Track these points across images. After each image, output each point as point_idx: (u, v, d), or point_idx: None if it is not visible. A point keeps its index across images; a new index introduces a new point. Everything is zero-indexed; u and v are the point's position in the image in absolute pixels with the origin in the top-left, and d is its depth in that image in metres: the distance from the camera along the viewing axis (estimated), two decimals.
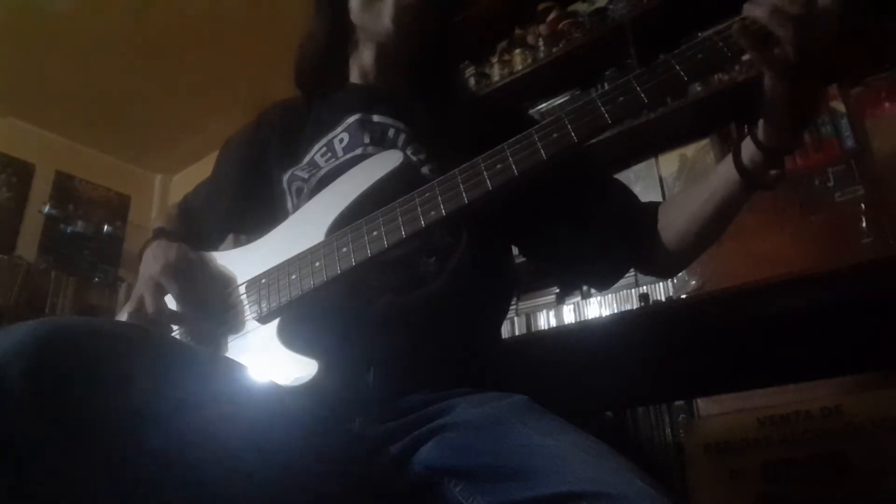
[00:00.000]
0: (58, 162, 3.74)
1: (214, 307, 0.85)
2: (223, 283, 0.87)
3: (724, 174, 0.75)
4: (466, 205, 0.70)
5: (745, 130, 0.72)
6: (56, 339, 0.48)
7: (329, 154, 0.93)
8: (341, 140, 0.94)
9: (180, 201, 1.14)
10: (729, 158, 0.74)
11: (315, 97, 1.04)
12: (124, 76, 3.27)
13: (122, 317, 0.88)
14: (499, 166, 0.69)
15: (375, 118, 0.94)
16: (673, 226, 0.84)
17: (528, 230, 0.95)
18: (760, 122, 0.69)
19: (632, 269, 0.96)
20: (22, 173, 3.59)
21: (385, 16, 0.91)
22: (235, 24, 2.97)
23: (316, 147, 0.95)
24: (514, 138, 0.70)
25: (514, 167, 0.69)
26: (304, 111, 1.04)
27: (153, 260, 0.85)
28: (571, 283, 2.11)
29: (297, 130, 1.00)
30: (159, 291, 0.83)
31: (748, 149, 0.72)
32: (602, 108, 0.66)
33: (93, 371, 0.48)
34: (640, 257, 0.89)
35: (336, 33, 1.00)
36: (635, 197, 0.93)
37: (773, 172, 0.71)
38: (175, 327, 0.87)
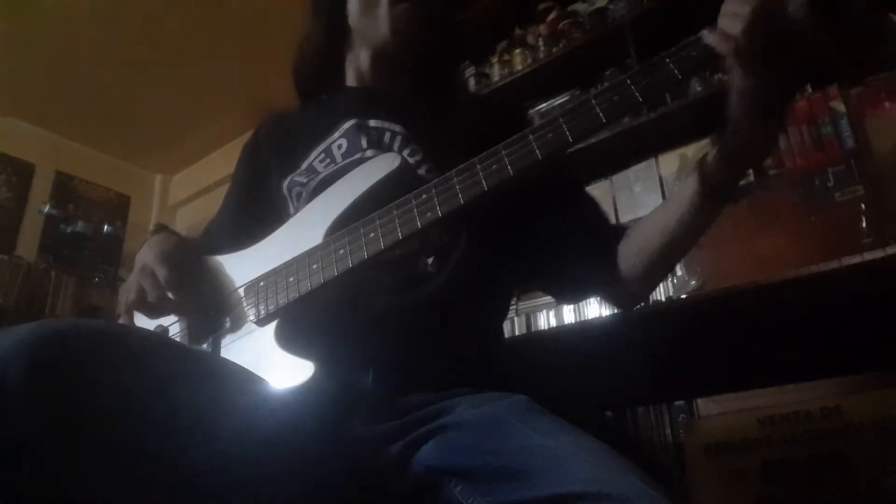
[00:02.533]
0: (58, 162, 3.74)
1: (210, 304, 0.85)
2: (220, 282, 0.87)
3: (689, 186, 0.75)
4: (462, 206, 0.70)
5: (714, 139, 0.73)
6: (55, 341, 0.48)
7: (328, 160, 0.93)
8: (339, 146, 0.94)
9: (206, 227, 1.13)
10: (694, 173, 0.75)
11: (311, 101, 1.05)
12: (124, 76, 3.27)
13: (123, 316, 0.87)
14: (494, 167, 0.70)
15: (372, 123, 0.94)
16: (636, 244, 0.84)
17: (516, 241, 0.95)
18: (727, 131, 0.70)
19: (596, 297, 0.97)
20: (22, 173, 3.59)
21: (382, 22, 0.91)
22: (235, 24, 2.97)
23: (314, 153, 0.95)
24: (509, 139, 0.70)
25: (509, 167, 0.69)
26: (299, 118, 1.04)
27: (149, 250, 0.84)
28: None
29: (293, 138, 1.00)
30: (153, 280, 0.82)
31: (714, 159, 0.72)
32: (597, 108, 0.67)
33: (91, 373, 0.48)
34: (605, 279, 0.88)
35: (333, 35, 1.00)
36: (606, 219, 0.94)
37: (738, 186, 0.72)
38: (172, 329, 0.87)
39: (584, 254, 0.88)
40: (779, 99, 0.66)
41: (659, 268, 0.85)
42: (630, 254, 0.85)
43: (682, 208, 0.76)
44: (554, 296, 1.02)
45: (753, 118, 0.66)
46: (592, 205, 0.95)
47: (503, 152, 0.70)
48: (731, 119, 0.67)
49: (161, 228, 0.97)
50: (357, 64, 1.00)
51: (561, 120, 0.68)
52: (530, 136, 0.69)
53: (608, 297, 0.94)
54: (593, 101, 0.67)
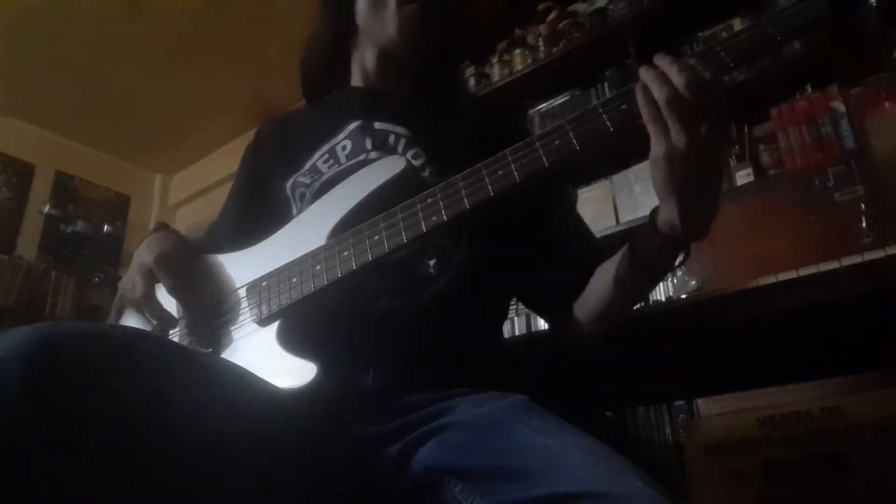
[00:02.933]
0: (58, 162, 3.74)
1: (209, 304, 0.85)
2: (221, 282, 0.87)
3: (626, 257, 0.76)
4: (468, 210, 0.70)
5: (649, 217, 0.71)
6: (53, 344, 0.48)
7: (332, 161, 0.93)
8: (344, 147, 0.94)
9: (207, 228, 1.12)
10: (627, 248, 0.76)
11: (316, 100, 1.05)
12: (125, 76, 3.27)
13: (113, 312, 0.87)
14: (500, 172, 0.70)
15: (376, 125, 0.94)
16: (589, 293, 0.85)
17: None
18: (657, 208, 0.70)
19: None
20: (22, 173, 3.59)
21: (390, 23, 0.91)
22: (235, 25, 2.97)
23: (318, 154, 0.95)
24: (516, 145, 0.70)
25: (515, 173, 0.69)
26: (302, 118, 1.04)
27: (147, 248, 0.83)
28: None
29: (296, 138, 1.00)
30: (150, 279, 0.81)
31: (646, 236, 0.72)
32: (604, 116, 0.66)
33: (91, 375, 0.48)
34: (563, 306, 0.89)
35: (341, 34, 1.00)
36: (588, 244, 0.94)
37: (678, 260, 0.72)
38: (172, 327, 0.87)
39: (570, 270, 0.89)
40: (700, 162, 0.62)
41: (606, 319, 0.86)
42: (584, 299, 0.86)
43: (622, 273, 0.77)
44: (535, 309, 1.02)
45: (679, 184, 0.63)
46: (582, 223, 0.96)
47: (509, 158, 0.70)
48: (659, 192, 0.66)
49: (161, 227, 0.97)
50: (363, 63, 1.00)
51: (567, 127, 0.68)
52: (537, 143, 0.69)
53: (558, 327, 0.94)
54: (600, 109, 0.67)
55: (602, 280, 0.83)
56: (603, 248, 0.90)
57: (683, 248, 0.71)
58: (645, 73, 0.63)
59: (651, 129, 0.63)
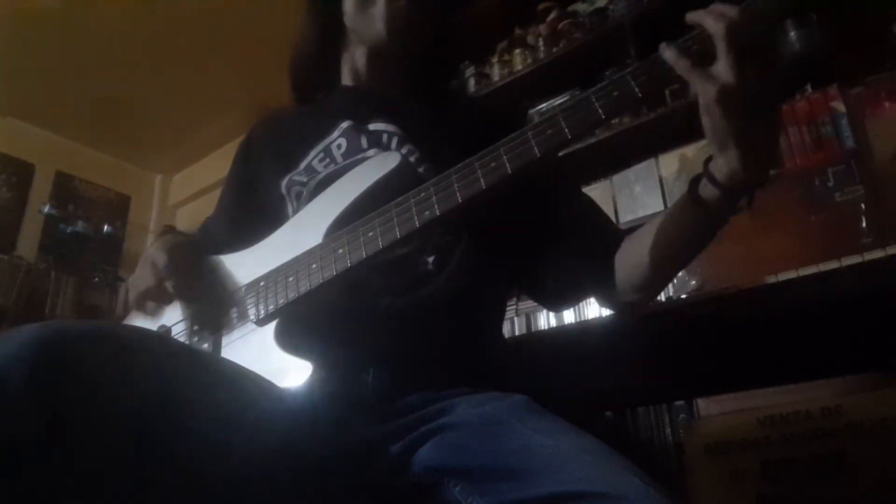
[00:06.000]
0: (58, 162, 3.74)
1: (210, 301, 0.85)
2: (222, 281, 0.87)
3: (687, 208, 0.71)
4: (460, 204, 0.70)
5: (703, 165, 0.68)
6: (59, 343, 0.47)
7: (328, 160, 0.93)
8: (339, 146, 0.93)
9: (203, 222, 1.12)
10: (688, 199, 0.71)
11: (307, 101, 1.04)
12: (124, 76, 3.27)
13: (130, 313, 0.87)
14: (493, 164, 0.69)
15: (370, 126, 0.94)
16: (634, 255, 0.81)
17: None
18: (715, 158, 0.66)
19: (590, 298, 0.93)
20: (22, 173, 3.59)
21: (377, 21, 0.91)
22: (235, 24, 2.97)
23: (313, 153, 0.95)
24: (509, 136, 0.70)
25: (507, 165, 0.68)
26: (295, 117, 1.04)
27: (154, 246, 0.85)
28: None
29: (289, 137, 0.99)
30: (157, 268, 0.82)
31: (706, 186, 0.67)
32: (596, 104, 0.66)
33: (95, 374, 0.48)
34: (601, 284, 0.86)
35: (328, 35, 1.00)
36: (604, 223, 0.91)
37: (741, 203, 0.67)
38: (174, 329, 0.87)
39: (580, 257, 0.87)
40: (763, 99, 0.60)
41: (658, 279, 0.82)
42: (627, 264, 0.82)
43: (681, 225, 0.73)
44: (544, 301, 0.97)
45: (735, 129, 0.61)
46: (591, 208, 0.93)
47: (501, 150, 0.70)
48: (717, 141, 0.63)
49: (167, 230, 0.97)
50: (353, 63, 1.00)
51: (560, 117, 0.68)
52: (529, 134, 0.69)
53: (606, 303, 0.91)
54: (592, 98, 0.66)
55: (648, 242, 0.78)
56: (619, 231, 0.88)
57: (745, 194, 0.66)
58: (694, 15, 0.61)
59: (693, 79, 0.61)
